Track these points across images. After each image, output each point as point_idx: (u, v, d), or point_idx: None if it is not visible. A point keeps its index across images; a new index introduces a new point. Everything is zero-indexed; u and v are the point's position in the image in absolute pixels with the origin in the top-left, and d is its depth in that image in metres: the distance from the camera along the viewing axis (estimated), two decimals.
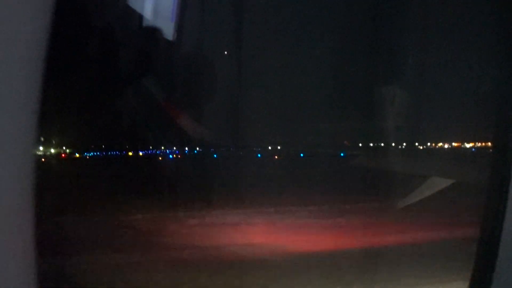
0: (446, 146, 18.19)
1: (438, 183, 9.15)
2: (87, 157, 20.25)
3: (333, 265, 6.66)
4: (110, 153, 21.12)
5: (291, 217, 10.31)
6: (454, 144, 17.34)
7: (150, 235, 8.59)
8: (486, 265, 2.64)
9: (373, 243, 7.76)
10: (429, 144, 17.83)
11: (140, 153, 20.58)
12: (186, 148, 18.46)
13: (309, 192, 12.23)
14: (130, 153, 20.69)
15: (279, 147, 22.21)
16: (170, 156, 18.72)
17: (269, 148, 22.41)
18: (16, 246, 1.86)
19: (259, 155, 21.02)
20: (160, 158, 18.79)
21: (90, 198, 10.61)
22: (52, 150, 18.48)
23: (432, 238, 7.90)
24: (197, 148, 17.68)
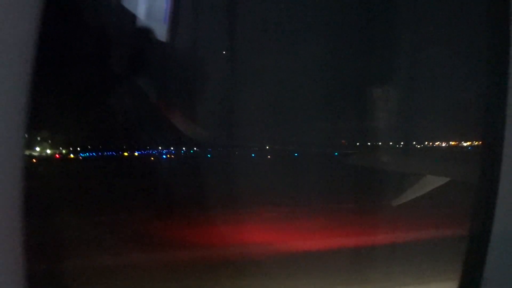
0: (443, 144, 18.27)
1: (433, 182, 9.16)
2: (82, 158, 20.23)
3: (328, 264, 6.68)
4: (106, 153, 21.10)
5: (283, 217, 10.33)
6: (451, 142, 17.42)
7: (142, 237, 8.57)
8: (476, 264, 2.66)
9: (367, 242, 7.78)
10: (426, 143, 17.92)
11: (136, 154, 20.60)
12: (184, 148, 18.50)
13: (302, 192, 12.24)
14: (126, 154, 20.70)
15: (274, 147, 22.28)
16: (164, 156, 18.77)
17: (265, 147, 22.46)
18: (4, 247, 1.85)
19: (253, 155, 21.08)
20: (154, 158, 18.84)
21: (81, 200, 10.60)
22: (48, 151, 18.44)
23: (426, 237, 7.92)
24: (194, 148, 17.71)
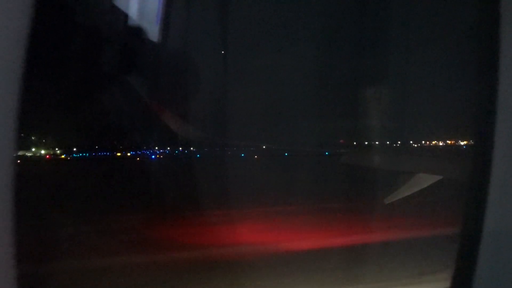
0: (440, 143, 18.42)
1: (425, 180, 9.20)
2: (70, 158, 20.16)
3: (322, 263, 6.68)
4: (99, 154, 21.06)
5: (273, 216, 10.33)
6: (448, 141, 17.55)
7: (129, 237, 8.54)
8: (468, 262, 2.67)
9: (359, 240, 7.81)
10: (423, 142, 18.04)
11: (129, 154, 20.55)
12: (180, 148, 18.49)
13: (290, 192, 12.25)
14: (119, 154, 20.66)
15: (267, 146, 22.32)
16: (153, 156, 18.79)
17: (259, 147, 22.51)
18: None
19: (242, 155, 21.12)
20: (145, 159, 18.83)
21: (71, 201, 10.55)
22: (42, 151, 18.39)
23: (417, 234, 7.95)
24: (191, 148, 17.72)
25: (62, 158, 19.83)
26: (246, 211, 10.39)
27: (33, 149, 17.52)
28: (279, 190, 12.73)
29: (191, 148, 17.81)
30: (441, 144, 18.39)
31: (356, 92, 12.34)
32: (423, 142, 18.69)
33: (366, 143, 14.65)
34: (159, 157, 18.69)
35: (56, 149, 19.49)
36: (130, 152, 20.68)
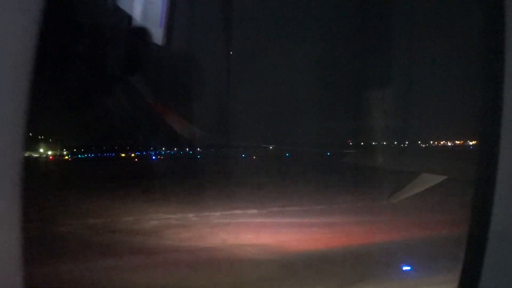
0: (448, 143, 18.41)
1: (430, 179, 9.17)
2: (73, 159, 20.25)
3: (325, 262, 6.67)
4: (105, 154, 21.16)
5: (273, 217, 10.33)
6: (457, 142, 17.54)
7: (132, 238, 8.56)
8: (474, 263, 2.65)
9: (362, 241, 7.79)
10: (431, 142, 18.05)
11: (132, 155, 20.63)
12: (187, 149, 18.56)
13: (295, 192, 12.22)
14: (123, 155, 20.74)
15: (269, 147, 22.35)
16: (154, 157, 18.86)
17: (262, 148, 22.56)
18: (2, 250, 1.83)
19: (243, 155, 21.19)
20: (148, 159, 18.91)
21: (75, 202, 10.59)
22: (49, 152, 18.51)
23: (418, 234, 7.93)
24: (197, 149, 17.78)
25: (65, 159, 19.92)
26: (246, 211, 10.42)
27: (41, 150, 17.66)
28: (282, 190, 12.69)
29: (197, 149, 17.87)
30: (449, 144, 18.39)
31: (364, 93, 12.34)
32: (431, 142, 18.71)
33: (373, 143, 14.62)
34: (164, 158, 18.74)
35: (63, 150, 19.64)
36: (135, 153, 20.78)
